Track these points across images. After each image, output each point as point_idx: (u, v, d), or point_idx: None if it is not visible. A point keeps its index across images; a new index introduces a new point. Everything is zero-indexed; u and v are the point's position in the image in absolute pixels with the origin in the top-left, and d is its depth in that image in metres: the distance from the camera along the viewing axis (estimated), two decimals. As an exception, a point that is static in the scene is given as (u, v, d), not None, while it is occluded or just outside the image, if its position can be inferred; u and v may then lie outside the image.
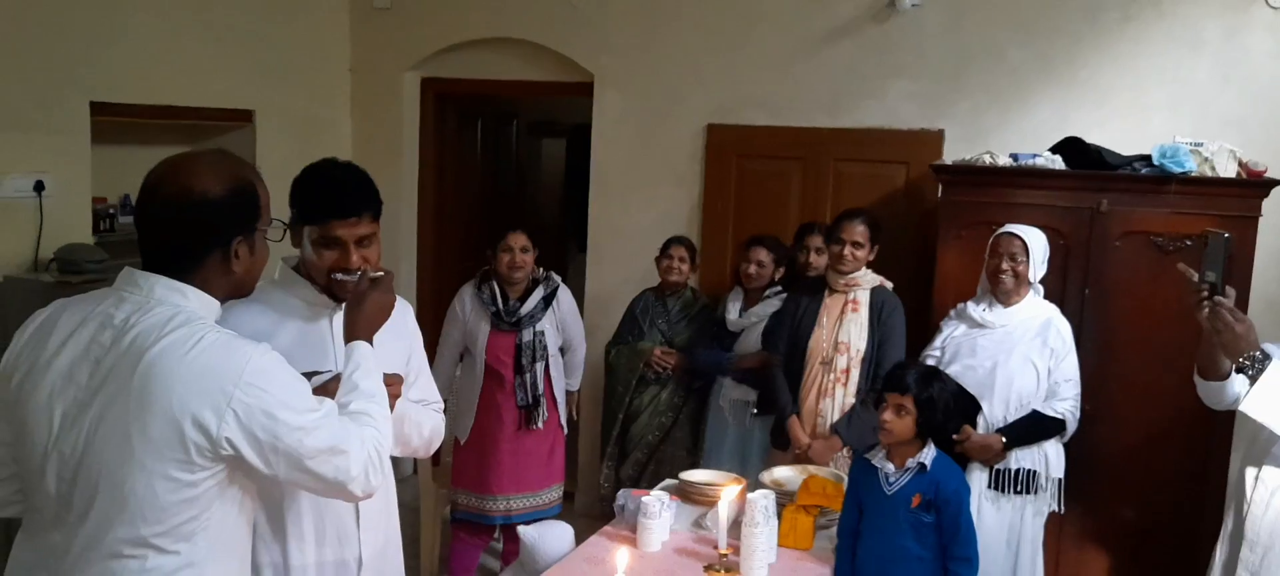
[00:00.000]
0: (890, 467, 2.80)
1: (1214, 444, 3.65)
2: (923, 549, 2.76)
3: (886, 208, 4.41)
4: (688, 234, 4.67)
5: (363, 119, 5.58)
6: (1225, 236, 2.57)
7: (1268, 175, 3.71)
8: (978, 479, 3.44)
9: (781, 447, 3.74)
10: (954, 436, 3.31)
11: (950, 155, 4.35)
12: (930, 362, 3.51)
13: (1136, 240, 3.75)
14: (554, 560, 3.07)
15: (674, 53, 4.90)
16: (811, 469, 3.39)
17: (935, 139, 4.44)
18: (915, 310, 3.85)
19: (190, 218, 1.72)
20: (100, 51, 4.23)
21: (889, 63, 4.52)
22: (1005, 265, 3.47)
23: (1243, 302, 3.33)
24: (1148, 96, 4.16)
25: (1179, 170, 3.67)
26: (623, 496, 3.17)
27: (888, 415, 2.77)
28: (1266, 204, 3.69)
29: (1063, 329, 3.50)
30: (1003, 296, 3.51)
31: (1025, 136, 4.22)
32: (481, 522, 4.13)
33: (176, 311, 1.69)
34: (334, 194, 2.11)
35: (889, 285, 3.75)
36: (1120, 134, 4.04)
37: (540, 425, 4.05)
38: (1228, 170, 3.72)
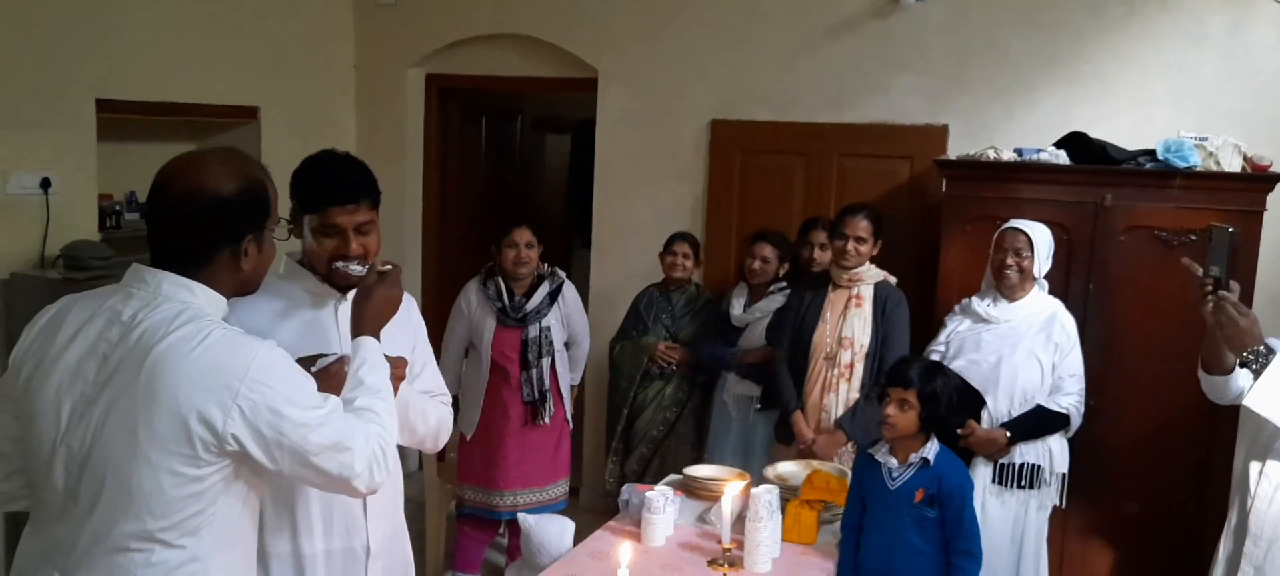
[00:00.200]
0: (893, 462, 2.80)
1: (1218, 438, 3.65)
2: (926, 543, 2.77)
3: (890, 203, 4.41)
4: (692, 229, 4.68)
5: (367, 115, 5.59)
6: (1229, 231, 2.57)
7: (1272, 169, 3.70)
8: (982, 473, 3.45)
9: (785, 442, 3.75)
10: (958, 431, 3.32)
11: (954, 150, 4.35)
12: (935, 358, 3.51)
13: (1140, 235, 3.75)
14: (549, 549, 3.11)
15: (678, 48, 4.90)
16: (815, 464, 3.39)
17: (939, 134, 4.44)
18: (919, 305, 3.86)
19: (202, 215, 1.73)
20: (106, 49, 4.24)
21: (892, 58, 4.51)
22: (1010, 260, 3.47)
23: (1247, 297, 3.34)
24: (1152, 91, 4.15)
25: (1183, 165, 3.67)
26: (627, 491, 3.18)
27: (891, 409, 2.78)
28: (1271, 198, 3.69)
29: (1067, 324, 3.50)
30: (1008, 292, 3.52)
31: (1029, 131, 4.22)
32: (487, 518, 4.15)
33: (184, 308, 1.70)
34: (331, 182, 2.13)
35: (893, 280, 3.76)
36: (1124, 129, 4.03)
37: (546, 420, 4.06)
38: (1232, 165, 3.72)
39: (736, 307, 4.24)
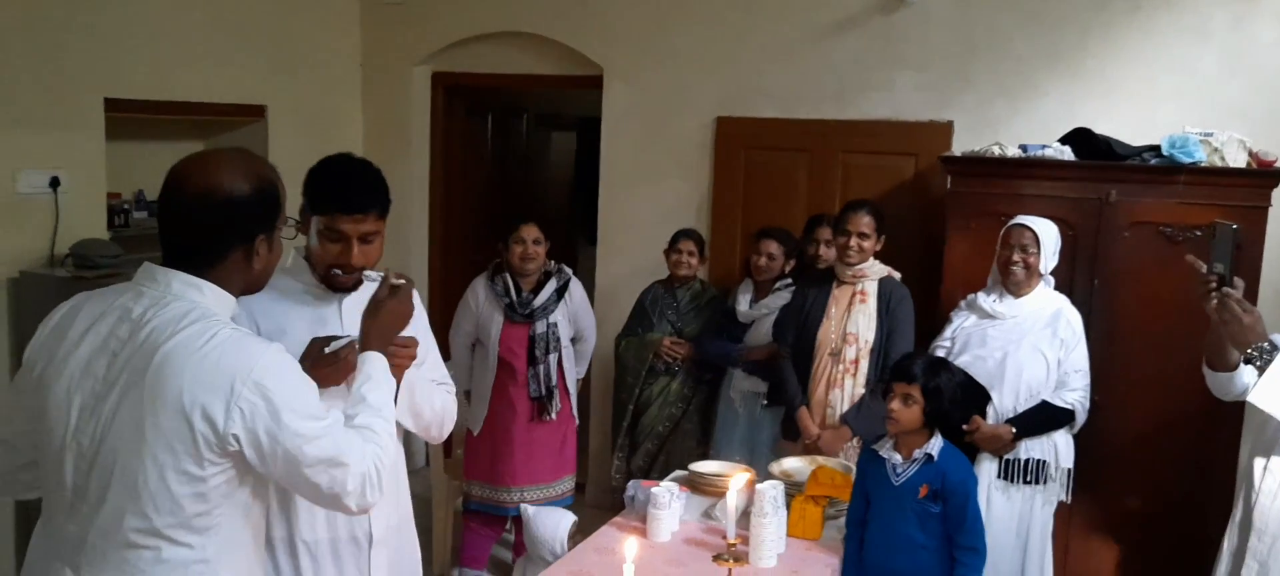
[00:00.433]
0: (898, 458, 2.82)
1: (1222, 433, 3.65)
2: (930, 538, 2.78)
3: (895, 199, 4.42)
4: (696, 226, 4.68)
5: (373, 113, 5.61)
6: (1233, 227, 2.57)
7: (1277, 165, 3.70)
8: (987, 469, 3.45)
9: (791, 439, 3.76)
10: (964, 427, 3.33)
11: (959, 146, 4.35)
12: (940, 353, 3.53)
13: (1145, 230, 3.75)
14: (545, 539, 3.13)
15: (682, 45, 4.91)
16: (820, 459, 3.40)
17: (944, 130, 4.44)
18: (923, 301, 3.86)
19: (217, 215, 1.74)
20: (114, 48, 4.26)
21: (896, 54, 4.52)
22: (1016, 256, 3.47)
23: (1252, 293, 3.35)
24: (1156, 86, 4.15)
25: (1188, 160, 3.67)
26: (632, 487, 3.20)
27: (895, 404, 2.79)
28: (1276, 194, 3.69)
29: (1073, 319, 3.50)
30: (1014, 288, 3.52)
31: (1034, 127, 4.22)
32: (494, 514, 4.17)
33: (192, 307, 1.71)
34: (342, 189, 2.16)
35: (897, 275, 3.76)
36: (1129, 124, 4.03)
37: (553, 416, 4.08)
38: (1237, 160, 3.71)
39: (742, 304, 4.25)
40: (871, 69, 4.56)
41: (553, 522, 3.25)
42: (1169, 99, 4.11)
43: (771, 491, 2.79)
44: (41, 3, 3.99)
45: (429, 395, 2.35)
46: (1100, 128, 3.94)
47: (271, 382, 1.68)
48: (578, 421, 4.29)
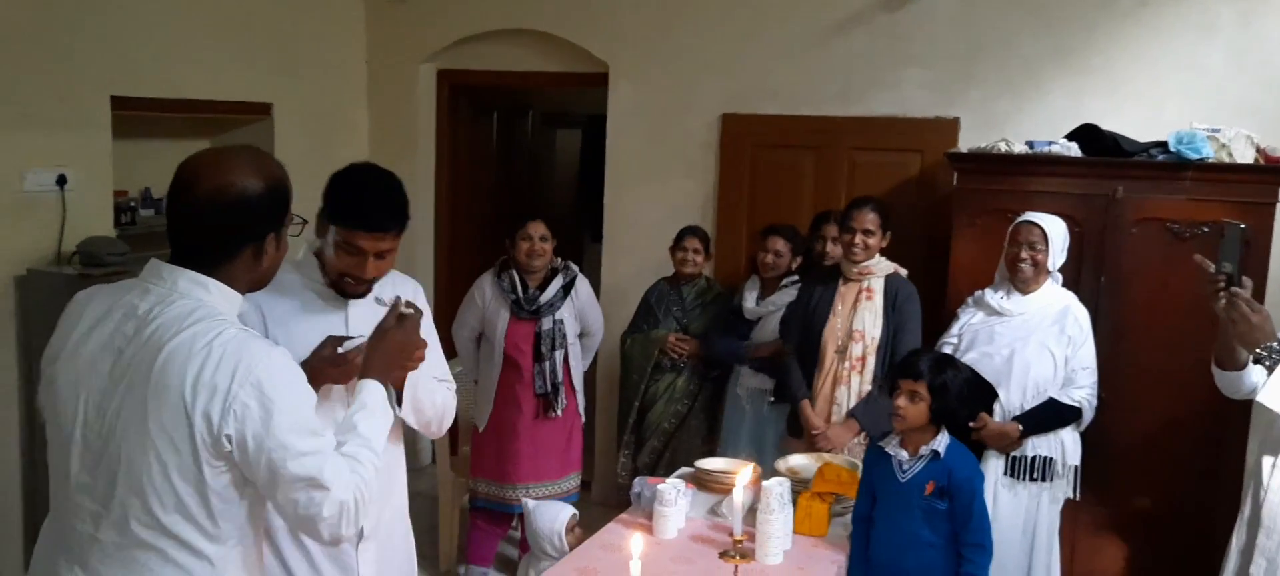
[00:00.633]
0: (904, 455, 2.81)
1: (1229, 430, 3.64)
2: (936, 536, 2.77)
3: (901, 196, 4.41)
4: (702, 223, 4.68)
5: (379, 110, 5.61)
6: (1240, 227, 2.57)
7: (1285, 161, 3.69)
8: (994, 466, 3.45)
9: (797, 435, 3.75)
10: (970, 424, 3.32)
11: (965, 143, 4.34)
12: (947, 350, 3.52)
13: (1152, 227, 3.74)
14: (542, 531, 3.13)
15: (688, 43, 4.90)
16: (827, 456, 3.40)
17: (950, 127, 4.43)
18: (930, 298, 3.85)
19: (231, 214, 1.74)
20: (120, 46, 4.27)
21: (902, 51, 4.51)
22: (1024, 254, 3.47)
23: (1260, 289, 3.33)
24: (1163, 82, 4.14)
25: (1195, 156, 3.65)
26: (638, 484, 3.20)
27: (901, 401, 2.78)
28: (1284, 190, 3.67)
29: (1080, 316, 3.49)
30: (1021, 285, 3.51)
31: (1040, 124, 4.21)
32: (500, 511, 4.17)
33: (198, 305, 1.71)
34: (365, 207, 2.19)
35: (903, 272, 3.75)
36: (1135, 120, 4.02)
37: (558, 413, 4.08)
38: (1245, 156, 3.70)
39: (749, 301, 4.25)
40: (878, 66, 4.55)
41: (551, 515, 3.25)
42: (1176, 95, 4.10)
43: (778, 488, 2.79)
44: (48, 2, 4.00)
45: (431, 392, 2.37)
46: (1107, 124, 3.93)
47: (269, 387, 1.66)
48: (584, 419, 4.29)
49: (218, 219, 1.74)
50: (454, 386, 2.54)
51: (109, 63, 4.22)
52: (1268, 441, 2.73)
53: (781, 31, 4.71)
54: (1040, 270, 3.49)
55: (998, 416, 3.46)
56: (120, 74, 4.26)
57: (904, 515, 2.79)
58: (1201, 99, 4.05)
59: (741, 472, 2.87)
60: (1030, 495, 3.47)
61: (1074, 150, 3.87)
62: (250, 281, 1.82)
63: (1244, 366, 2.69)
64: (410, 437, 3.18)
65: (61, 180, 4.07)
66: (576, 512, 3.32)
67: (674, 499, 2.93)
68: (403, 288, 2.37)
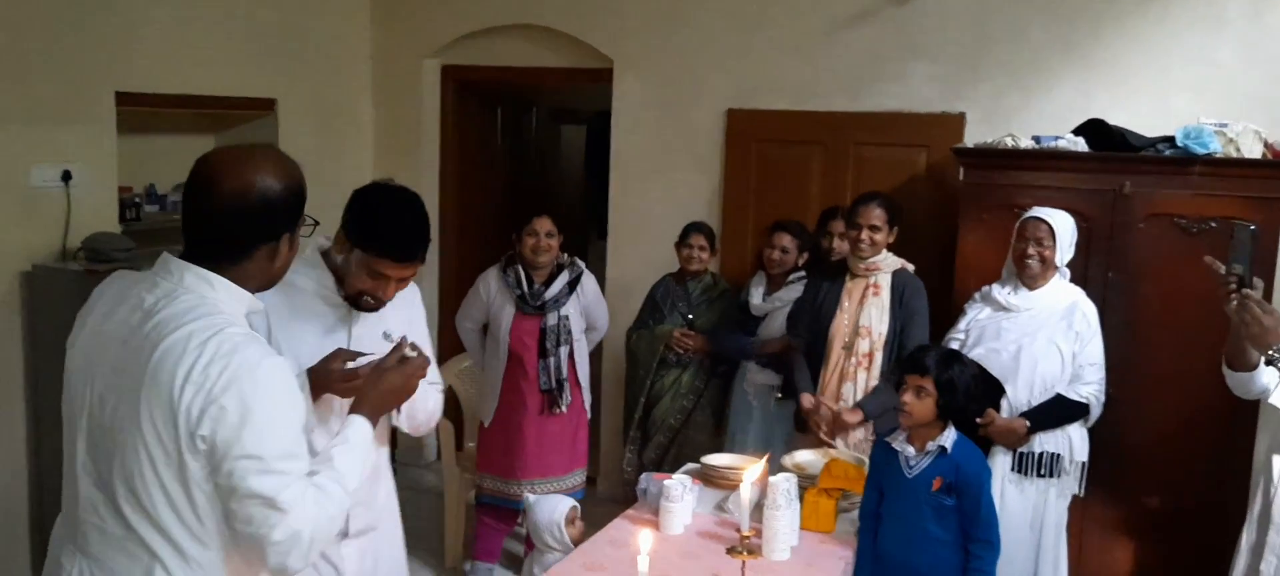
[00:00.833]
0: (911, 451, 2.80)
1: (1238, 426, 3.63)
2: (944, 531, 2.77)
3: (907, 191, 4.40)
4: (708, 219, 4.67)
5: (383, 106, 5.61)
6: (1252, 228, 2.55)
7: (1294, 156, 3.67)
8: (1001, 462, 3.44)
9: (804, 431, 3.74)
10: (977, 420, 3.31)
11: (971, 138, 4.33)
12: (954, 346, 3.50)
13: (1160, 222, 3.73)
14: (545, 524, 3.14)
15: (693, 38, 4.89)
16: (833, 453, 3.39)
17: (956, 122, 4.42)
18: (936, 293, 3.84)
19: (249, 213, 1.72)
20: (125, 42, 4.27)
21: (909, 45, 4.49)
22: (1032, 249, 3.45)
23: (1269, 283, 3.32)
24: (1170, 77, 4.12)
25: (1203, 151, 3.64)
26: (645, 480, 3.19)
27: (908, 397, 2.77)
28: (1292, 185, 3.65)
29: (1088, 312, 3.48)
30: (1029, 280, 3.50)
31: (1047, 118, 4.19)
32: (506, 507, 4.17)
33: (200, 302, 1.70)
34: (401, 239, 2.21)
35: (911, 267, 3.74)
36: (1143, 115, 4.00)
37: (563, 409, 4.07)
38: (1253, 151, 3.69)
39: (756, 297, 4.24)
40: (884, 60, 4.54)
41: (549, 507, 3.26)
42: (1184, 89, 4.08)
43: (785, 484, 2.78)
44: (53, -2, 4.00)
45: (424, 398, 2.38)
46: (1114, 119, 3.92)
47: (252, 395, 1.63)
48: (589, 414, 4.28)
49: (237, 218, 1.72)
50: (443, 386, 2.55)
51: (114, 58, 4.22)
52: (1278, 440, 2.72)
53: (787, 26, 4.70)
54: (1048, 266, 3.48)
55: (1005, 412, 3.45)
56: (125, 70, 4.26)
57: (911, 511, 2.78)
58: (1210, 93, 4.03)
59: (751, 468, 2.86)
60: (1037, 491, 3.46)
61: (1081, 145, 3.86)
62: (262, 281, 1.81)
63: (1254, 367, 2.68)
64: (416, 437, 3.19)
65: (66, 176, 4.06)
66: (575, 504, 3.32)
67: (681, 494, 2.92)
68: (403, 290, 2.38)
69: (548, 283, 4.04)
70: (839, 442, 3.56)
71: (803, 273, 4.16)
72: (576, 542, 3.32)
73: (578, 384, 4.15)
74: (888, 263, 3.70)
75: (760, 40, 4.76)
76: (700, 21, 4.87)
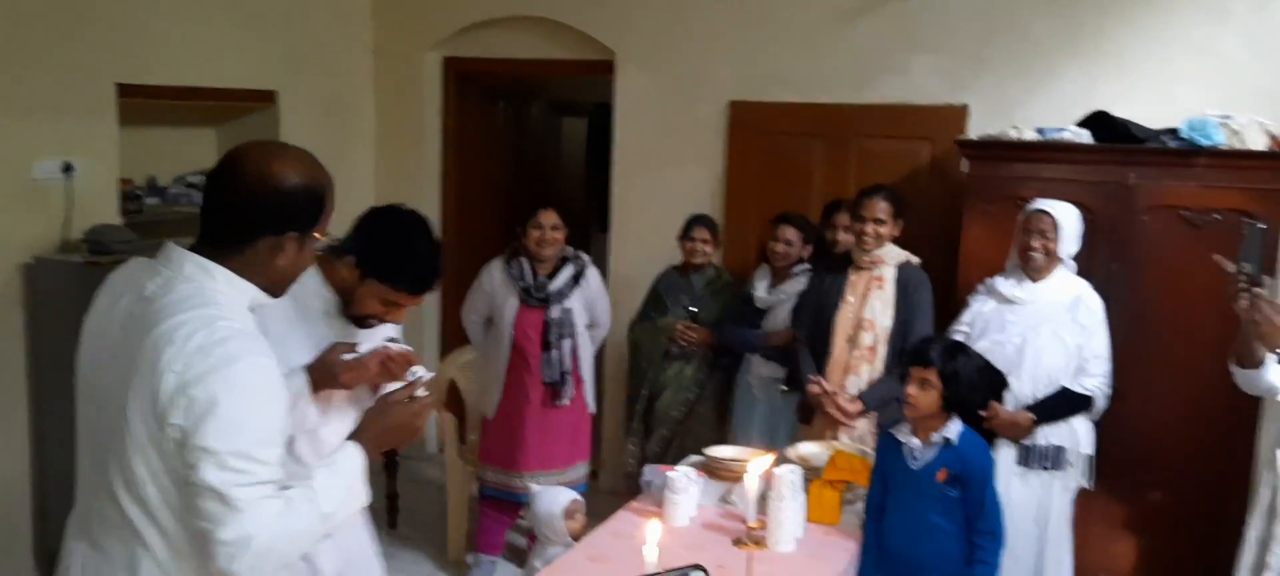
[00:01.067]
0: (916, 442, 2.80)
1: (1244, 419, 3.62)
2: (948, 523, 2.77)
3: (910, 184, 4.39)
4: (711, 211, 4.66)
5: (385, 99, 5.60)
6: (1261, 227, 2.54)
7: (1299, 148, 3.66)
8: (1006, 454, 3.43)
9: (806, 422, 3.74)
10: (981, 413, 3.30)
11: (975, 130, 4.32)
12: (959, 338, 3.50)
13: (1165, 214, 3.72)
14: (544, 515, 3.14)
15: (696, 30, 4.88)
16: (838, 444, 3.39)
17: (959, 114, 4.41)
18: (940, 286, 3.83)
19: (262, 199, 1.71)
20: (127, 34, 4.26)
21: (913, 38, 4.48)
22: (1036, 242, 3.44)
23: (1273, 272, 3.31)
24: (1175, 68, 4.11)
25: (1208, 143, 3.63)
26: (649, 471, 3.20)
27: (912, 389, 2.77)
28: (1297, 177, 3.65)
29: (1093, 305, 3.47)
30: (1033, 273, 3.49)
31: (1051, 110, 4.18)
32: (509, 499, 4.17)
33: (197, 292, 1.69)
34: (427, 276, 2.22)
35: (915, 260, 3.73)
36: (1147, 107, 3.99)
37: (566, 402, 4.07)
38: (1258, 143, 3.68)
39: (760, 290, 4.24)
40: (888, 53, 4.53)
41: (550, 499, 3.26)
42: (1188, 81, 4.07)
43: (790, 476, 2.78)
44: (55, -11, 3.99)
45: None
46: (1118, 110, 3.91)
47: (225, 390, 1.59)
48: (593, 408, 4.28)
49: (246, 201, 1.71)
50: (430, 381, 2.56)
51: (115, 51, 4.21)
52: (1283, 435, 2.72)
53: (790, 18, 4.69)
54: (1052, 258, 3.47)
55: (1009, 405, 3.44)
56: (126, 62, 4.25)
57: (916, 502, 2.78)
58: (1215, 84, 4.02)
59: (757, 460, 2.86)
60: (1042, 483, 3.46)
61: (1085, 137, 3.85)
62: (265, 279, 1.76)
63: (1262, 364, 2.67)
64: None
65: (68, 168, 4.06)
66: (578, 498, 3.30)
67: (686, 486, 2.92)
68: None
69: (552, 275, 4.04)
70: (842, 435, 3.56)
71: (807, 265, 4.16)
72: (576, 537, 3.31)
73: (580, 378, 4.14)
74: (892, 255, 3.69)
75: (763, 32, 4.75)
76: (703, 13, 4.85)
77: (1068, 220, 3.47)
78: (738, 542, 2.72)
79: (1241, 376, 2.75)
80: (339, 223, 2.32)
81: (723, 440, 4.01)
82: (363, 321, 2.26)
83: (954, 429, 2.78)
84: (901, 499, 2.82)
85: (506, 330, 4.04)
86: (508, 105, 6.13)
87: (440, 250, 2.28)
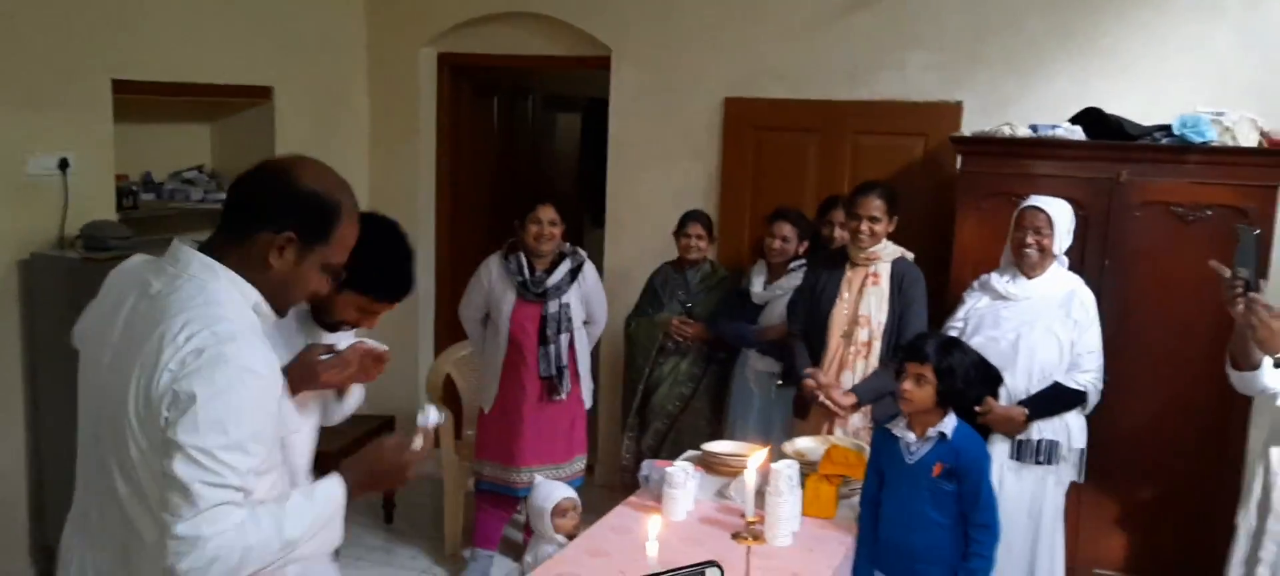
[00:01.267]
0: (911, 437, 2.82)
1: (1234, 413, 3.66)
2: (944, 517, 2.79)
3: (904, 180, 4.41)
4: (706, 207, 4.68)
5: (380, 94, 5.59)
6: (1256, 232, 2.56)
7: (1289, 144, 3.69)
8: (1000, 449, 3.46)
9: (802, 417, 3.76)
10: (976, 408, 3.33)
11: (969, 127, 4.34)
12: (953, 334, 3.52)
13: (1157, 210, 3.75)
14: (536, 506, 3.14)
15: (691, 26, 4.89)
16: (833, 439, 3.41)
17: (954, 111, 4.43)
18: (934, 282, 3.85)
19: (270, 190, 1.73)
20: (122, 30, 4.25)
21: (907, 34, 4.50)
22: (1030, 239, 3.46)
23: (1265, 274, 3.34)
24: (1168, 65, 4.14)
25: (1200, 140, 3.66)
26: (647, 466, 3.21)
27: (907, 385, 2.79)
28: (1288, 174, 3.68)
29: (1086, 300, 3.50)
30: (1027, 269, 3.52)
31: (1044, 107, 4.21)
32: (506, 494, 4.18)
33: (201, 291, 1.69)
34: (404, 284, 2.21)
35: (910, 256, 3.75)
36: (1140, 104, 4.02)
37: (563, 397, 4.08)
38: (1249, 139, 3.71)
39: (757, 285, 4.25)
40: (883, 49, 4.55)
41: (545, 494, 3.26)
42: (1181, 78, 4.10)
43: (787, 470, 2.80)
44: (49, -16, 3.98)
45: (358, 397, 2.37)
46: (1111, 107, 3.94)
47: (205, 389, 1.58)
48: (590, 403, 4.29)
49: (257, 189, 1.74)
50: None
51: (110, 46, 4.20)
52: (1275, 434, 2.75)
53: (785, 14, 4.70)
54: (1046, 254, 3.49)
55: (1003, 400, 3.47)
56: (121, 57, 4.24)
57: (912, 496, 2.80)
58: (1207, 81, 4.05)
59: (754, 454, 2.87)
60: (1035, 478, 3.48)
61: (1078, 134, 3.87)
62: (264, 286, 1.75)
63: (1258, 366, 2.69)
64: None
65: (63, 164, 4.05)
66: (573, 496, 3.31)
67: (684, 481, 2.94)
68: None
69: (549, 270, 4.05)
70: (838, 429, 3.58)
71: (803, 261, 4.17)
72: (569, 535, 3.32)
73: (577, 373, 4.16)
74: (887, 252, 3.71)
75: (758, 28, 4.76)
76: (697, 9, 4.86)
77: (1062, 216, 3.50)
78: (736, 536, 2.74)
79: (1238, 378, 2.77)
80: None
81: (718, 435, 4.03)
82: (335, 326, 2.26)
83: (949, 423, 2.80)
84: (897, 493, 2.84)
85: (503, 325, 4.05)
86: (502, 100, 6.13)
87: (413, 253, 2.23)
